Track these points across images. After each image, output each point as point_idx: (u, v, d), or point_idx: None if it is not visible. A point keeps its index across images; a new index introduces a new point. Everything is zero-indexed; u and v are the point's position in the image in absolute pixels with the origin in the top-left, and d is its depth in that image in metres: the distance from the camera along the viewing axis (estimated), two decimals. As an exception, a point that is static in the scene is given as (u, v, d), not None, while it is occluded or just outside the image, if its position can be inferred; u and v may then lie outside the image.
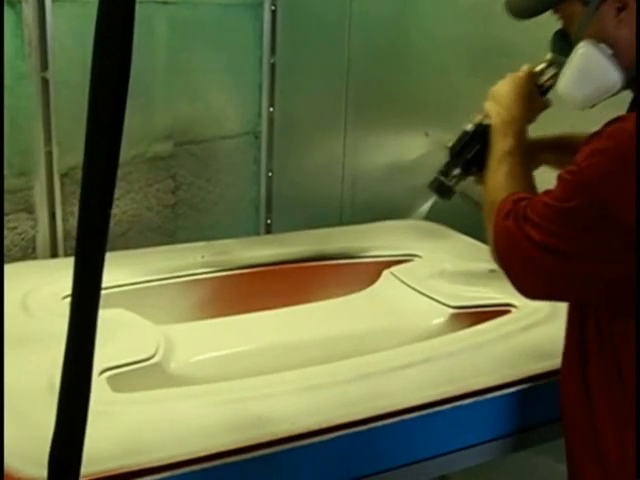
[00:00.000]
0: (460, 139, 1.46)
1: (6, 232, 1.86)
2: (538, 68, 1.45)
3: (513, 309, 1.71)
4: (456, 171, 1.48)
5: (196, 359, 1.54)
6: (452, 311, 1.75)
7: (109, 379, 1.33)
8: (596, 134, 1.08)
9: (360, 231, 2.23)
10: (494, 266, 1.91)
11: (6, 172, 1.84)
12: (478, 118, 1.46)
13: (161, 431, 1.20)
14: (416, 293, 1.84)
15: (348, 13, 2.39)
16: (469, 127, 1.46)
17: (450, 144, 1.48)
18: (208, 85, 2.41)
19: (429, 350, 1.53)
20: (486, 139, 1.39)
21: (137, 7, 0.60)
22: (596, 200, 1.03)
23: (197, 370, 1.51)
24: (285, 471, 1.25)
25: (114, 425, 1.19)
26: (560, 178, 1.10)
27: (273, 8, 2.52)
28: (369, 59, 2.38)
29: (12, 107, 1.80)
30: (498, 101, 1.42)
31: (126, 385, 1.33)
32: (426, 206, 1.72)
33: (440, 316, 1.76)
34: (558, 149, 1.49)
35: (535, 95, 1.42)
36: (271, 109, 2.61)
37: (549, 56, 1.43)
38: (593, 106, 1.22)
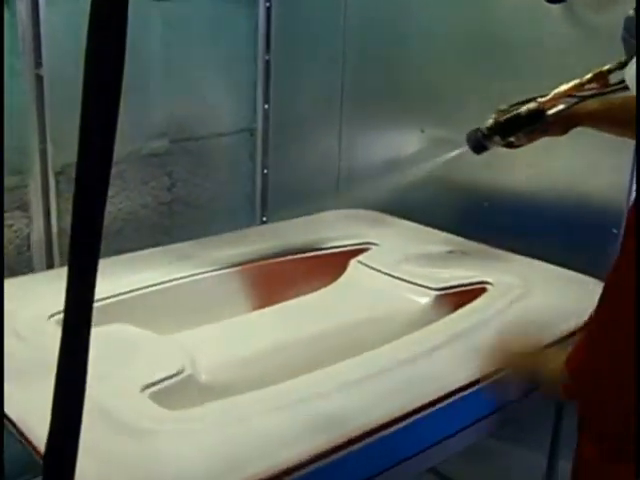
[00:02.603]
0: (511, 119, 1.58)
1: (1, 230, 1.86)
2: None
3: (489, 286, 1.76)
4: (497, 138, 1.60)
5: (219, 366, 1.49)
6: (436, 293, 1.79)
7: (152, 397, 1.28)
8: None
9: (304, 224, 2.23)
10: (450, 247, 1.99)
11: (1, 170, 1.83)
12: (533, 105, 1.55)
13: (243, 445, 1.16)
14: (394, 279, 1.86)
15: (343, 10, 2.39)
16: (523, 110, 1.56)
17: (502, 116, 1.59)
18: (203, 82, 2.40)
19: (448, 329, 1.56)
20: (533, 123, 1.53)
21: (131, 4, 0.60)
22: None
23: (227, 377, 1.48)
24: (370, 464, 1.24)
25: (194, 444, 1.16)
26: None
27: (268, 5, 2.51)
28: (364, 55, 2.38)
29: (6, 105, 1.79)
30: None
31: (168, 401, 1.28)
32: (455, 153, 1.79)
33: (426, 298, 1.79)
34: (605, 120, 1.48)
35: None
36: (266, 106, 2.61)
37: (607, 67, 1.45)
38: None
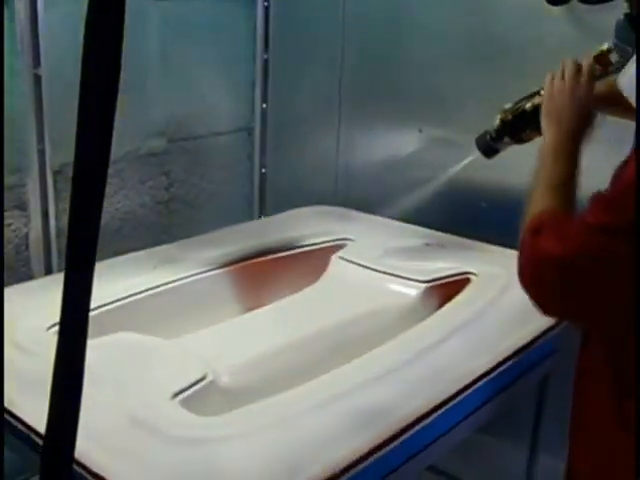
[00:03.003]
0: (518, 116, 1.51)
1: (-1, 229, 1.86)
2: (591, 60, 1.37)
3: (473, 277, 1.80)
4: (506, 139, 1.56)
5: (233, 368, 1.47)
6: (425, 285, 1.81)
7: (183, 404, 1.26)
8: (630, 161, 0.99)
9: (275, 222, 2.25)
10: (425, 240, 2.03)
11: (-1, 169, 1.83)
12: (538, 99, 1.46)
13: (297, 447, 1.16)
14: (380, 273, 1.88)
15: (342, 9, 2.38)
16: (528, 107, 1.48)
17: (507, 115, 1.54)
18: (201, 81, 2.40)
19: (448, 322, 1.59)
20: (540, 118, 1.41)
21: (129, 3, 0.59)
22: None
23: (244, 378, 1.46)
24: (405, 455, 1.25)
25: (250, 450, 1.14)
26: (596, 205, 1.02)
27: (266, 4, 2.51)
28: (362, 55, 2.38)
29: (4, 104, 1.79)
30: (556, 119, 1.29)
31: (198, 407, 1.26)
32: (467, 161, 1.77)
33: (416, 291, 1.81)
34: (610, 102, 1.38)
35: (594, 112, 1.30)
36: (264, 105, 2.61)
37: (606, 46, 1.38)
38: None
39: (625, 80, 1.12)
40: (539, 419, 1.84)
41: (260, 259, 1.96)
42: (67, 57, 1.86)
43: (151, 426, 1.17)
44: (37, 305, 1.54)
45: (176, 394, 1.27)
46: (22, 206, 1.91)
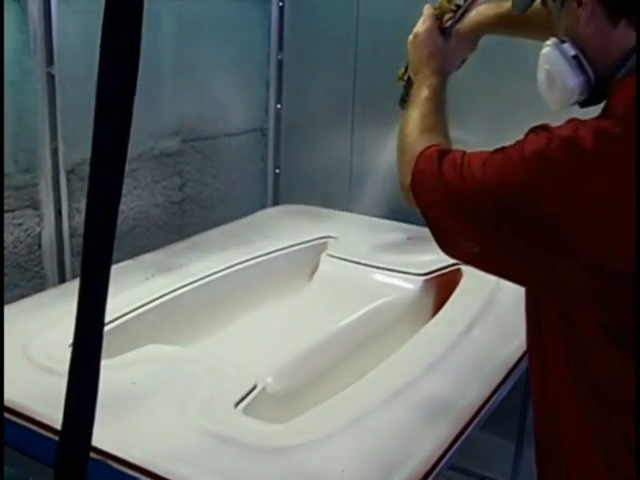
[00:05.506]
0: (407, 82, 1.56)
1: (11, 229, 1.85)
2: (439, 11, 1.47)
3: (463, 267, 1.80)
4: None
5: (271, 372, 1.43)
6: (423, 278, 1.83)
7: (246, 413, 1.24)
8: (544, 127, 1.00)
9: (251, 224, 2.22)
10: (406, 234, 2.05)
11: (12, 168, 1.83)
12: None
13: (385, 444, 1.15)
14: (374, 268, 1.88)
15: (356, 10, 2.38)
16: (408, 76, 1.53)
17: (401, 82, 1.59)
18: (215, 82, 2.40)
19: (468, 312, 1.61)
20: None
21: (144, 2, 0.59)
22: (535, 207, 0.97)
23: (286, 381, 1.44)
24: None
25: (341, 453, 1.13)
26: (498, 157, 1.03)
27: (281, 4, 2.51)
28: (376, 56, 2.37)
29: (18, 103, 1.79)
30: (412, 68, 1.43)
31: (259, 415, 1.25)
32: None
33: (415, 284, 1.83)
34: (502, 27, 1.50)
35: (445, 48, 1.43)
36: (278, 106, 2.60)
37: None
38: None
39: (538, 82, 1.12)
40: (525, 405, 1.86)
41: (253, 261, 1.91)
42: (80, 56, 1.86)
43: (233, 440, 1.14)
44: (55, 320, 1.48)
45: (237, 404, 1.24)
46: (35, 205, 1.91)
